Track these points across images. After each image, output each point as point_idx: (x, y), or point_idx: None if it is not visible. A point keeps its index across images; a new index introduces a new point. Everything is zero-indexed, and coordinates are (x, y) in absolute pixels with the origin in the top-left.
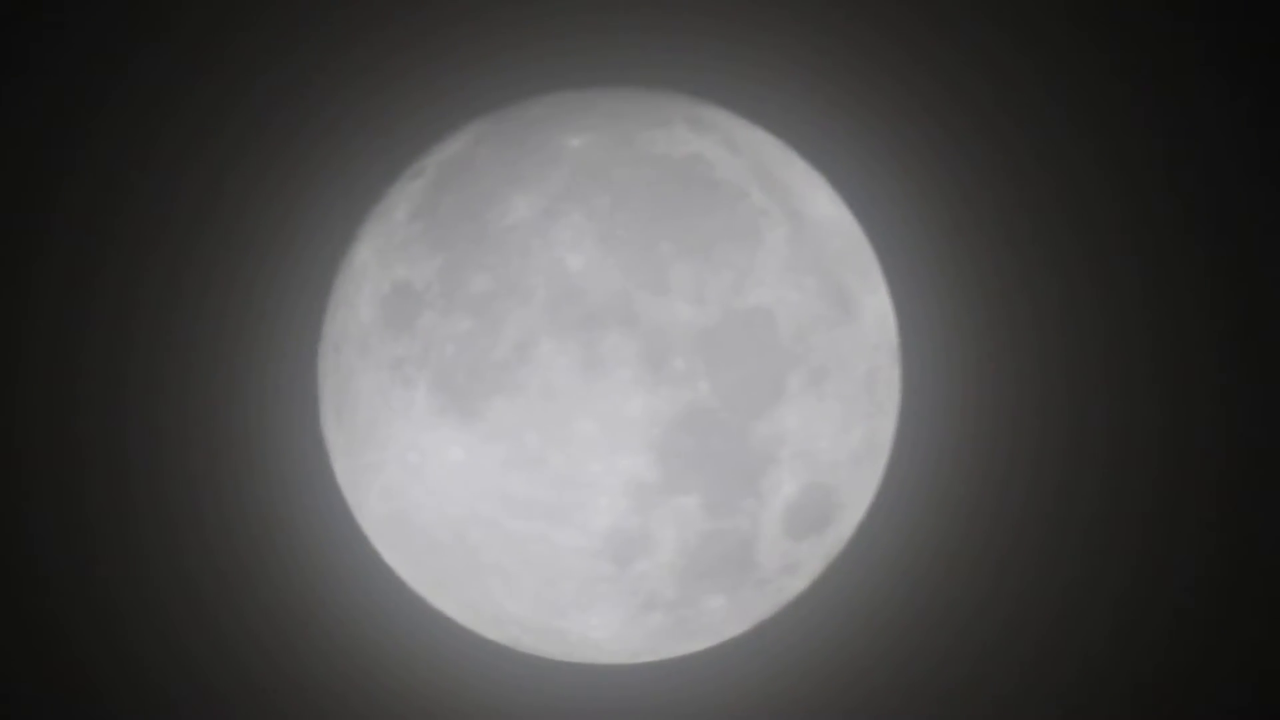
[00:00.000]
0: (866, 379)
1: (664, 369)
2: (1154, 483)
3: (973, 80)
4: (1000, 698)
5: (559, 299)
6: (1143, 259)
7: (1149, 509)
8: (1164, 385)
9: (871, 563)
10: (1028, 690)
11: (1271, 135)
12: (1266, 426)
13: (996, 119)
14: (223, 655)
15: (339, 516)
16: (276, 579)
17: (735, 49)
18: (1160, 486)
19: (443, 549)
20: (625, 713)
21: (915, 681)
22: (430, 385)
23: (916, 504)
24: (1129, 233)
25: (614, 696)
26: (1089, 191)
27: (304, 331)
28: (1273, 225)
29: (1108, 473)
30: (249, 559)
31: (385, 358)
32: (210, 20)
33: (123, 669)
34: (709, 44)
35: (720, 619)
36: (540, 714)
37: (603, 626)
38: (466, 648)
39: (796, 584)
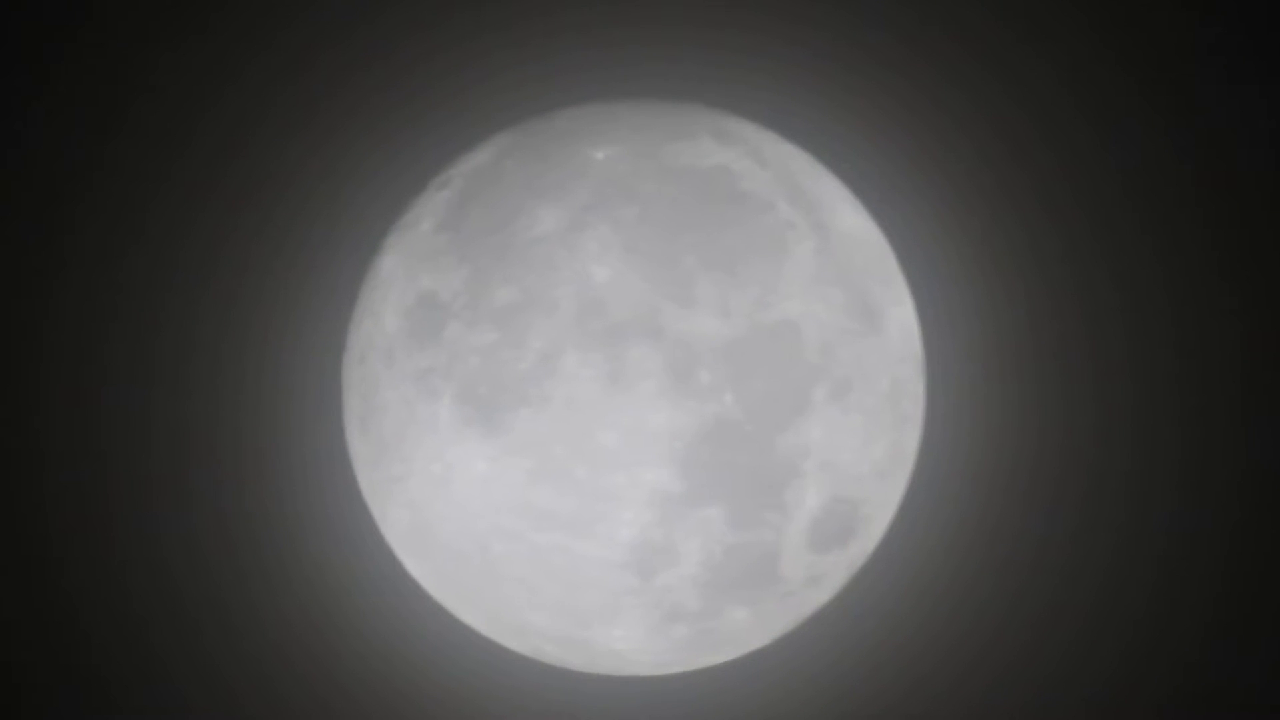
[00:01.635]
0: (891, 392)
1: (689, 381)
2: (1179, 493)
3: (998, 95)
4: (1024, 709)
5: (584, 311)
6: (1168, 273)
7: (1174, 520)
8: (1188, 397)
9: (895, 575)
10: (1052, 702)
11: None
12: None
13: (1023, 134)
14: (246, 664)
15: (363, 527)
16: (301, 589)
17: (761, 62)
18: (1185, 496)
19: (466, 560)
20: None
21: (939, 694)
22: (455, 397)
23: (940, 517)
24: (1154, 246)
25: (637, 708)
26: (1114, 206)
27: (329, 342)
28: None
29: (1132, 485)
30: (273, 569)
31: (410, 369)
32: (238, 31)
33: (146, 676)
34: (735, 57)
35: (744, 631)
36: None
37: (626, 638)
38: (490, 658)
39: (820, 596)
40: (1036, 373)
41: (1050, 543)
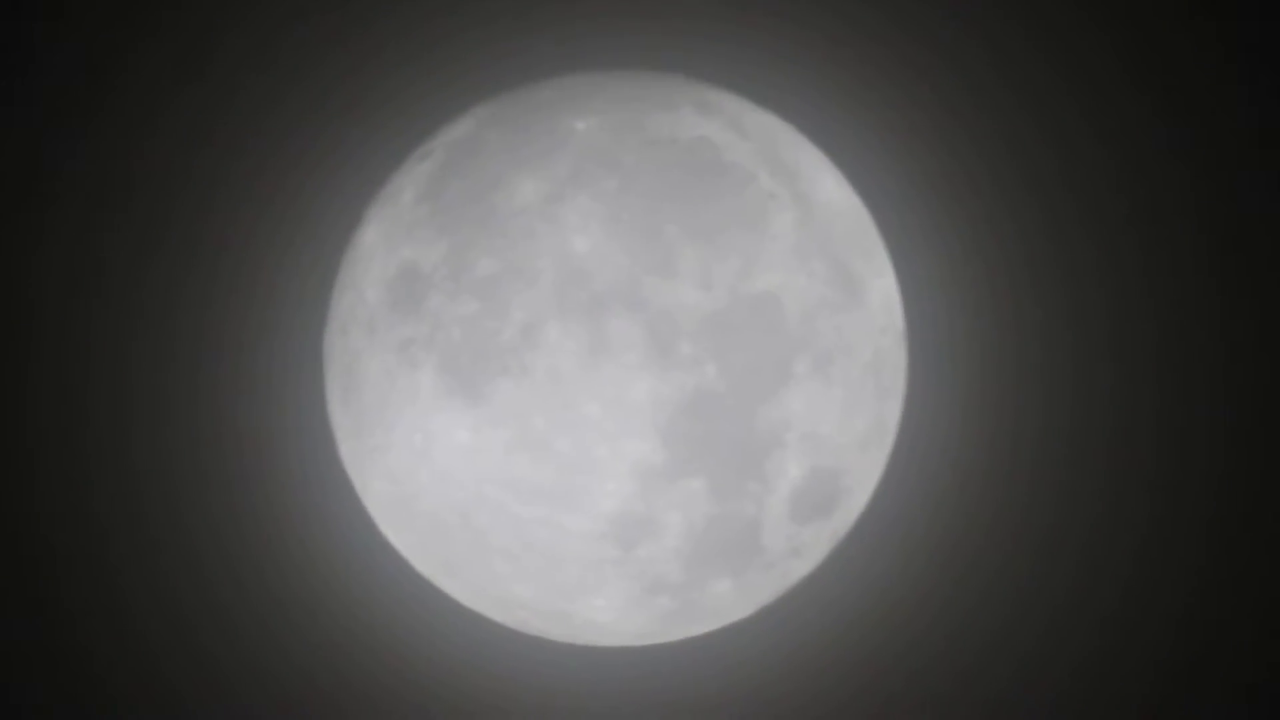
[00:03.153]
0: (872, 363)
1: (670, 353)
2: (1158, 462)
3: (981, 66)
4: (1004, 682)
5: (566, 282)
6: (1148, 247)
7: (1153, 490)
8: (1167, 368)
9: (876, 546)
10: (1032, 675)
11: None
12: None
13: (1005, 105)
14: (228, 637)
15: (345, 499)
16: (282, 561)
17: (743, 32)
18: (1164, 467)
19: (449, 531)
20: (631, 695)
21: (920, 665)
22: (437, 368)
23: (921, 488)
24: (1135, 218)
25: (620, 679)
26: (1096, 178)
27: (311, 314)
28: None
29: (1112, 456)
30: (255, 540)
31: (392, 340)
32: (217, 3)
33: (126, 647)
34: (717, 27)
35: (726, 602)
36: (546, 696)
37: (608, 609)
38: (472, 630)
39: (802, 567)
40: (1018, 344)
41: (1031, 513)
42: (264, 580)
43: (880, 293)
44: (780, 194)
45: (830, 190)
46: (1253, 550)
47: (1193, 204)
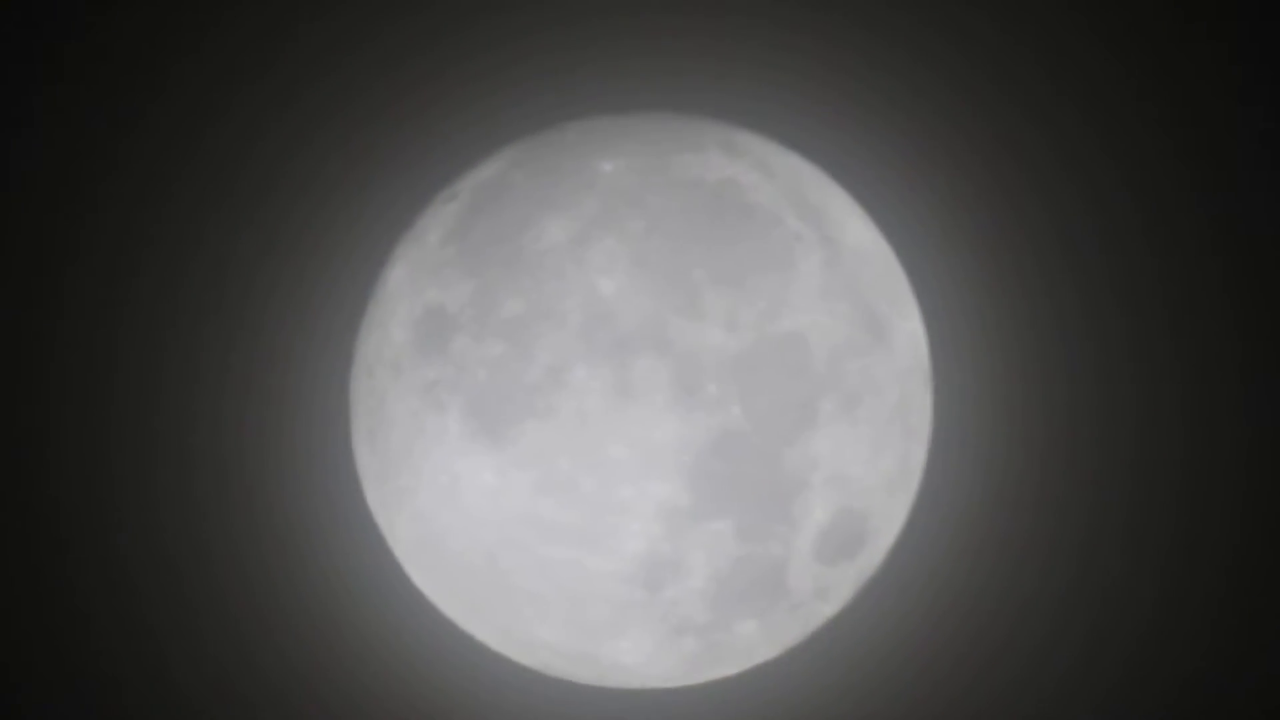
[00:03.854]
0: (899, 405)
1: (696, 394)
2: (1179, 510)
3: (1008, 109)
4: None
5: (592, 324)
6: (1177, 287)
7: (1178, 536)
8: (1193, 416)
9: (903, 588)
10: (1060, 713)
11: None
12: None
13: (1032, 147)
14: (254, 676)
15: (370, 540)
16: (308, 601)
17: (770, 74)
18: (1186, 511)
19: (474, 573)
20: None
21: (946, 708)
22: (462, 409)
23: (948, 530)
24: (1164, 261)
25: None
26: (1123, 220)
27: (337, 354)
28: None
29: (1137, 500)
30: (280, 581)
31: (418, 381)
32: (245, 41)
33: (155, 688)
34: (743, 69)
35: (751, 644)
36: None
37: (634, 651)
38: (498, 672)
39: (828, 609)
40: (1043, 387)
41: (1057, 555)
42: (288, 619)
43: (906, 335)
44: (807, 236)
45: (857, 232)
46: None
47: (1223, 245)
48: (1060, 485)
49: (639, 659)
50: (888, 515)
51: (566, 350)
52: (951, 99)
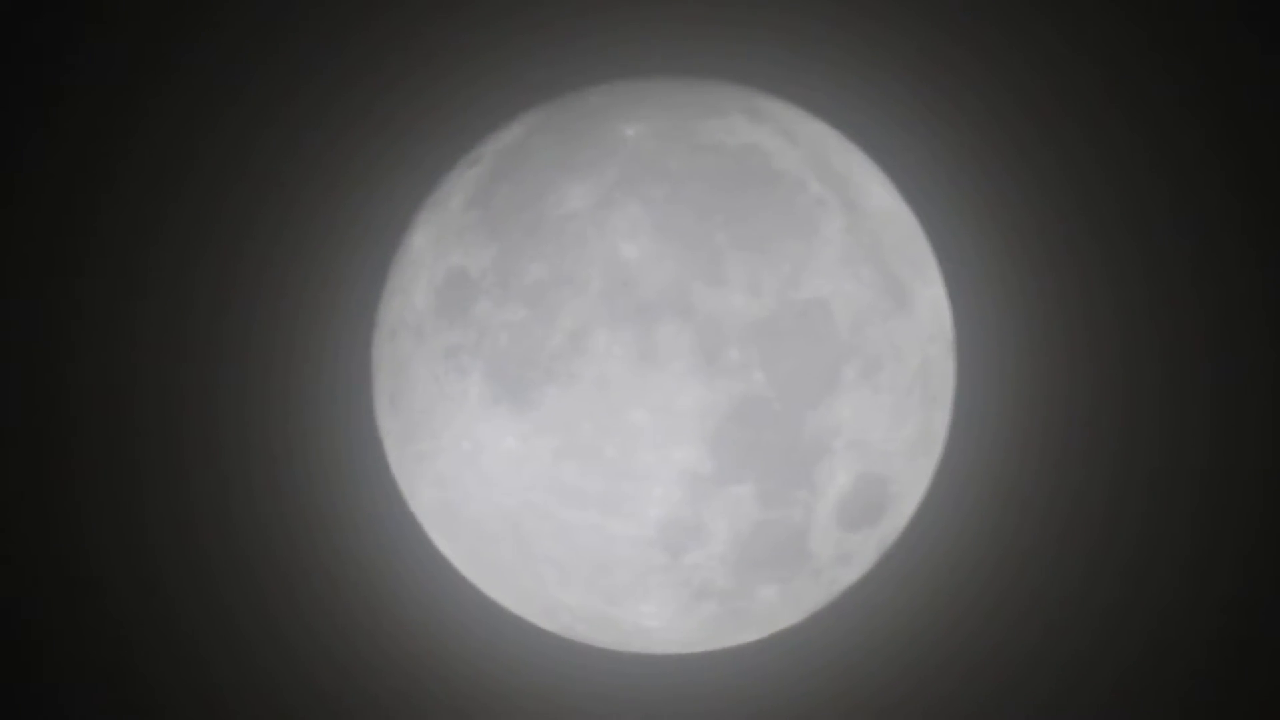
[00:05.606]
0: (921, 370)
1: (719, 360)
2: (1210, 467)
3: (1031, 76)
4: (1051, 687)
5: (614, 289)
6: (1197, 249)
7: (1202, 498)
8: (1217, 375)
9: (924, 554)
10: (1080, 681)
11: None
12: None
13: (1053, 113)
14: (275, 642)
15: (393, 504)
16: (330, 566)
17: (793, 39)
18: (1216, 474)
19: (496, 538)
20: (678, 701)
21: (968, 672)
22: (484, 374)
23: (969, 495)
24: (1184, 222)
25: (667, 686)
26: (1144, 185)
27: (359, 319)
28: None
29: (1161, 463)
30: (303, 546)
31: (440, 346)
32: (271, 9)
33: (171, 649)
34: (767, 34)
35: (773, 609)
36: (593, 703)
37: (656, 616)
38: (519, 636)
39: (849, 574)
40: (1066, 352)
41: (1079, 520)
42: (310, 585)
43: (929, 300)
44: (829, 201)
45: (880, 198)
46: None
47: (1250, 218)
48: (1082, 451)
49: (660, 624)
50: (910, 481)
51: (588, 316)
52: (975, 65)
